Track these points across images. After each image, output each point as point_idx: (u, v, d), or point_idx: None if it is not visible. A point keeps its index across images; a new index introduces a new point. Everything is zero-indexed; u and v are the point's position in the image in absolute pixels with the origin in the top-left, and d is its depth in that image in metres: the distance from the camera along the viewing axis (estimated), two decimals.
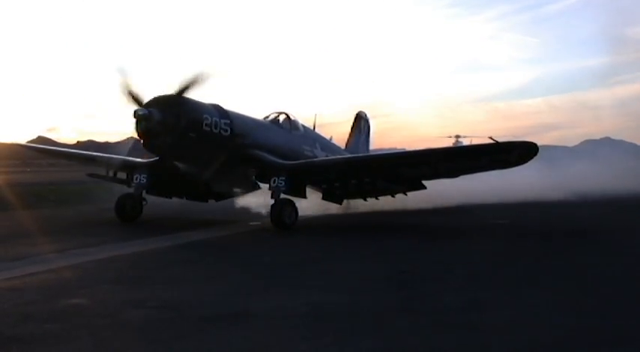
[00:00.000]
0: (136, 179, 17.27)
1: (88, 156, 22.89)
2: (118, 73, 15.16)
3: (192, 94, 15.41)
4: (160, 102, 15.01)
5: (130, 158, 19.05)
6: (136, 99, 14.97)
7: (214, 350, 5.85)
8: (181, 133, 15.03)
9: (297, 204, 16.19)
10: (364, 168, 17.20)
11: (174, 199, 19.22)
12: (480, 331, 6.46)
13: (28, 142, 35.89)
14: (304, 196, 17.12)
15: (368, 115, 27.55)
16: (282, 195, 16.07)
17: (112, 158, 20.19)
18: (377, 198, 18.97)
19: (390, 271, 10.15)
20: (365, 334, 6.36)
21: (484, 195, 24.77)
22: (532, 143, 15.18)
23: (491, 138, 15.45)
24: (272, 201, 15.95)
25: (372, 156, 21.28)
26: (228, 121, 16.18)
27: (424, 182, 17.62)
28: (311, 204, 18.43)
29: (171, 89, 15.10)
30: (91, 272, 9.89)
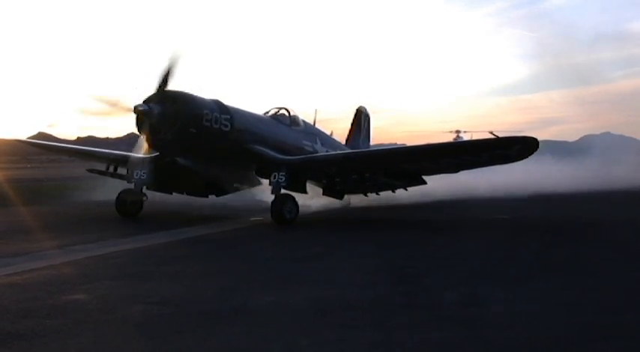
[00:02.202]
0: (137, 174, 17.26)
1: (88, 152, 22.89)
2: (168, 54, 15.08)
3: (189, 89, 15.43)
4: (160, 97, 15.00)
5: (131, 153, 19.04)
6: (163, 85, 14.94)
7: (214, 345, 5.85)
8: (181, 129, 15.02)
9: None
10: (364, 163, 17.19)
11: (175, 195, 19.20)
12: (479, 326, 6.46)
13: (28, 138, 35.73)
14: (305, 191, 17.11)
15: (368, 110, 27.49)
16: (283, 191, 16.06)
17: (113, 153, 20.19)
18: (377, 194, 18.97)
19: (390, 266, 10.16)
20: (365, 328, 6.37)
21: (484, 189, 24.80)
22: (532, 138, 15.14)
23: (491, 133, 15.47)
24: (272, 197, 15.95)
25: (372, 152, 21.26)
26: (229, 117, 16.16)
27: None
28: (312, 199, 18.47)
29: (155, 85, 15.05)
30: (92, 268, 9.88)
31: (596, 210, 20.16)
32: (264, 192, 18.42)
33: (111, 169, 19.32)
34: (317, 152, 19.38)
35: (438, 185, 21.73)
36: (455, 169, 17.78)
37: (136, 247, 12.10)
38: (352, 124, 26.51)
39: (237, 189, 19.63)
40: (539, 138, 15.23)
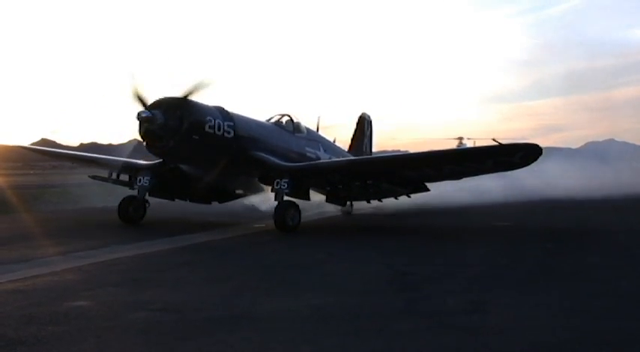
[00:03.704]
0: (139, 181, 17.27)
1: (91, 159, 22.90)
2: (126, 76, 15.18)
3: (195, 97, 15.45)
4: (163, 104, 15.04)
5: (133, 160, 19.06)
6: (142, 101, 15.03)
7: None
8: (184, 135, 15.03)
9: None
10: (367, 170, 17.17)
11: (177, 201, 19.21)
12: (482, 333, 6.45)
13: (31, 144, 35.86)
14: (308, 198, 17.11)
15: (371, 117, 27.52)
16: (286, 197, 16.06)
17: (115, 160, 20.21)
18: (380, 200, 18.96)
19: (392, 273, 10.15)
20: (367, 336, 6.36)
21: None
22: (535, 145, 15.15)
23: (494, 140, 15.45)
24: (275, 204, 15.93)
25: (375, 159, 21.28)
26: (232, 123, 16.18)
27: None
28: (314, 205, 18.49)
29: (175, 92, 15.15)
30: (94, 274, 9.89)
31: (600, 216, 20.15)
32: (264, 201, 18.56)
33: (114, 176, 19.31)
34: (320, 159, 19.38)
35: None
36: (458, 176, 17.79)
37: (139, 253, 12.10)
38: (355, 131, 26.53)
39: (240, 196, 19.65)
40: (543, 144, 15.27)
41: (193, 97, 15.29)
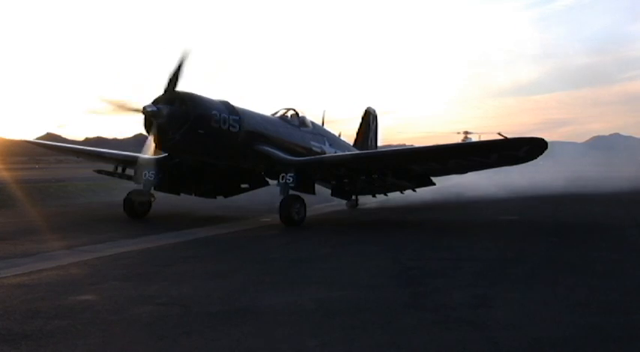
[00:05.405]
0: (145, 175, 17.28)
1: (96, 153, 22.91)
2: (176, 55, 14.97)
3: (198, 90, 15.43)
4: (168, 98, 15.01)
5: (138, 154, 19.08)
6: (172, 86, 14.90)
7: (222, 346, 5.84)
8: (190, 130, 15.02)
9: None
10: (373, 164, 17.15)
11: (183, 195, 19.22)
12: (487, 328, 6.43)
13: (36, 139, 35.79)
14: (313, 192, 17.10)
15: (376, 111, 27.45)
16: (291, 192, 16.05)
17: (121, 154, 20.22)
18: (386, 194, 18.94)
19: (398, 267, 10.14)
20: (373, 330, 6.35)
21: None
22: (541, 139, 15.11)
23: (500, 134, 15.41)
24: (281, 198, 15.93)
25: (380, 153, 21.24)
26: (237, 118, 16.16)
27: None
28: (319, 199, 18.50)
29: (164, 86, 15.01)
30: (100, 268, 9.90)
31: (607, 210, 20.11)
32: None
33: (119, 170, 19.34)
34: (325, 153, 19.34)
35: None
36: (463, 170, 17.77)
37: (144, 248, 12.11)
38: (360, 125, 26.48)
39: (245, 190, 19.65)
40: (548, 139, 15.23)
41: (179, 85, 15.10)
